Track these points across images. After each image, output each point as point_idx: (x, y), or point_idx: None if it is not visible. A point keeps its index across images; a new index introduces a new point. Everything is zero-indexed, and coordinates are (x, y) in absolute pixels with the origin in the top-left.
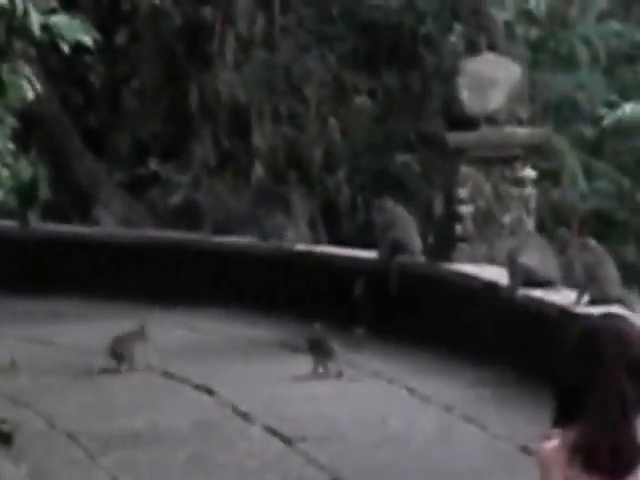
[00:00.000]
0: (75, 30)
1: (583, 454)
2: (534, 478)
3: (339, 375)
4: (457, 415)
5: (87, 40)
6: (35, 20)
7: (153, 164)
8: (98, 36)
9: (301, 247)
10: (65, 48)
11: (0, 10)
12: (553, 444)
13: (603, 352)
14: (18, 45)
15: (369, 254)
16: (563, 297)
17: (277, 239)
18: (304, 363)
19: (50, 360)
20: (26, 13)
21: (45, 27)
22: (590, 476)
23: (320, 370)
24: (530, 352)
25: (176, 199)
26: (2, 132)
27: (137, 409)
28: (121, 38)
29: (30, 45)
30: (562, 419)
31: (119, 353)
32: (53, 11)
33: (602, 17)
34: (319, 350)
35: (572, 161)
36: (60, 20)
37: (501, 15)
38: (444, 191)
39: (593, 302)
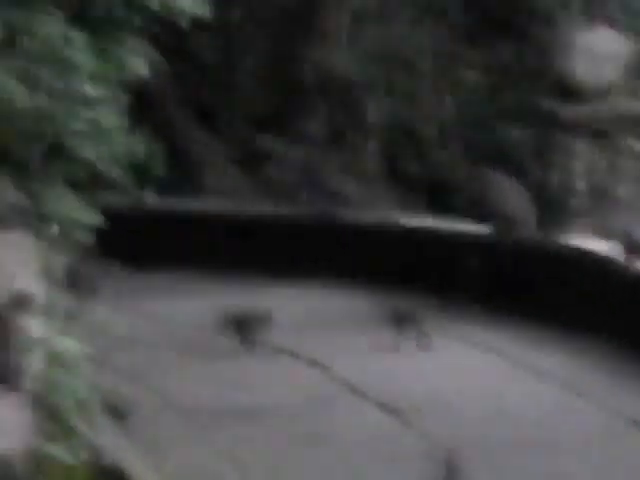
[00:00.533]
0: (192, 6)
1: None
2: None
3: (427, 347)
4: (572, 391)
5: (204, 13)
6: None
7: (266, 140)
8: (214, 12)
9: (414, 221)
10: (182, 23)
11: None
12: None
13: None
14: (136, 21)
15: (482, 228)
16: None
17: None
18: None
19: (167, 335)
20: None
21: (163, 3)
22: None
23: (403, 342)
24: None
25: (290, 175)
26: (117, 108)
27: (252, 385)
28: (236, 16)
29: (148, 21)
30: None
31: (243, 336)
32: None
33: None
34: (404, 323)
35: None
36: None
37: None
38: (558, 165)
39: None
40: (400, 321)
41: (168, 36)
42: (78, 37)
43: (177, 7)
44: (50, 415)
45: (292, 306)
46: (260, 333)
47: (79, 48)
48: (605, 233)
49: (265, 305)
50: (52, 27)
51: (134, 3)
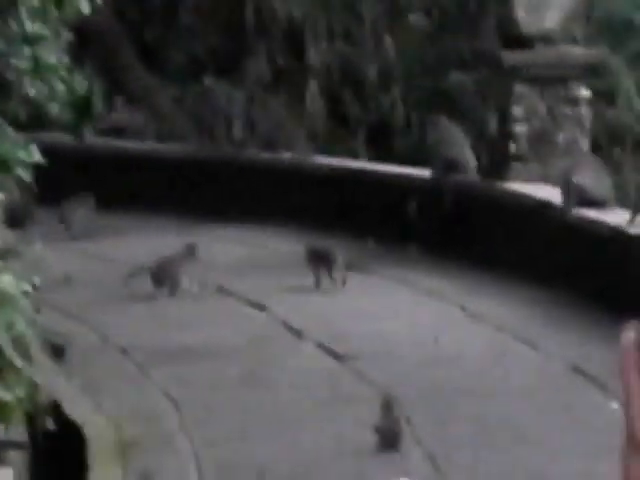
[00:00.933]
0: None
1: None
2: (584, 398)
3: (343, 284)
4: (509, 334)
5: None
6: None
7: (208, 80)
8: None
9: (354, 164)
10: None
11: None
12: (633, 334)
13: None
14: None
15: (423, 172)
16: (616, 216)
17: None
18: (358, 281)
19: (106, 275)
20: None
21: None
22: None
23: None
24: (583, 272)
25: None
26: (58, 46)
27: (190, 325)
28: None
29: None
30: None
31: (160, 278)
32: None
33: None
34: (322, 261)
35: (627, 81)
36: None
37: None
38: (498, 110)
39: None
40: (319, 261)
41: None
42: None
43: None
44: None
45: (233, 247)
46: (198, 276)
47: None
48: (544, 178)
49: (206, 246)
50: None
51: None
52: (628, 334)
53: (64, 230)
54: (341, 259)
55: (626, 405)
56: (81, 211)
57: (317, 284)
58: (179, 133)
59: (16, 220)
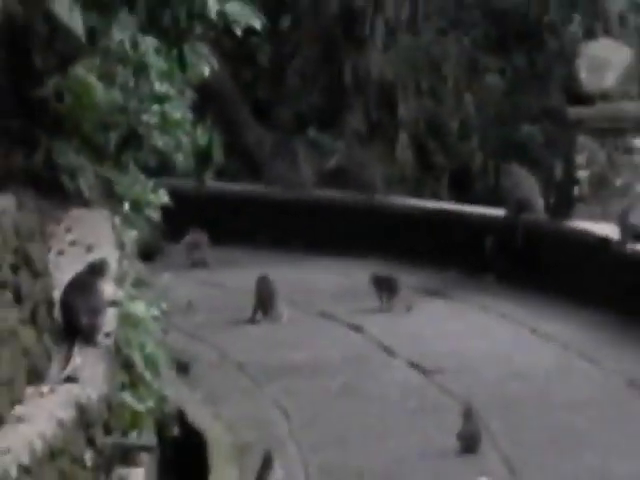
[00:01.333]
0: (246, 16)
1: None
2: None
3: (408, 310)
4: (574, 353)
5: (256, 24)
6: (212, 7)
7: (312, 132)
8: (265, 21)
9: (439, 205)
10: (237, 31)
11: None
12: None
13: None
14: (197, 29)
15: (498, 212)
16: None
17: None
18: (442, 306)
19: (222, 301)
20: (205, 1)
21: (221, 13)
22: None
23: (385, 305)
24: (637, 297)
25: (332, 163)
26: (182, 104)
27: (298, 344)
28: (285, 22)
29: (208, 29)
30: None
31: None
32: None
33: None
34: (385, 287)
35: None
36: (233, 7)
37: (615, 6)
38: (564, 158)
39: None
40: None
41: (228, 42)
42: (149, 41)
43: (232, 17)
44: (123, 367)
45: (335, 277)
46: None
47: (149, 51)
48: (604, 217)
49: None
50: (127, 32)
51: (194, 14)
52: None
53: (186, 261)
54: (403, 285)
55: None
56: (200, 245)
57: (381, 307)
58: (286, 178)
59: (147, 254)
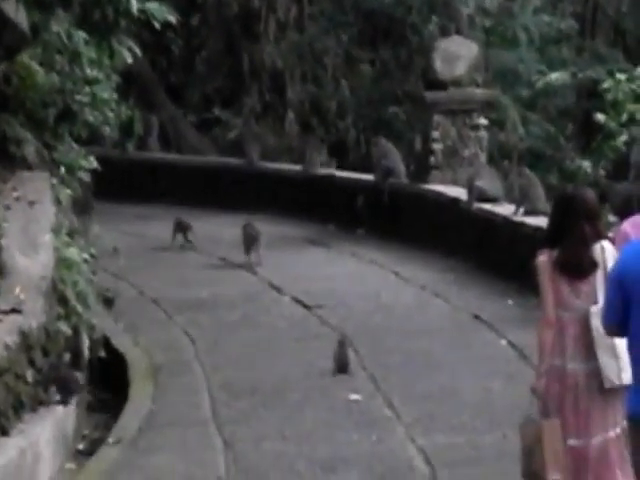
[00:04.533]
0: (163, 13)
1: (560, 264)
2: (481, 337)
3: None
4: (429, 292)
5: (172, 19)
6: (134, 5)
7: (216, 110)
8: (179, 18)
9: (320, 171)
10: (156, 25)
11: None
12: (544, 258)
13: (573, 207)
14: (122, 23)
15: (368, 177)
16: (505, 209)
17: (304, 166)
18: (322, 253)
19: (141, 247)
20: (129, 0)
21: (142, 10)
22: (563, 277)
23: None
24: (482, 248)
25: (232, 135)
26: (109, 86)
27: (202, 284)
28: (195, 20)
29: (131, 23)
30: (550, 245)
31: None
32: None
33: (537, 10)
34: (251, 241)
35: (513, 113)
36: (152, 5)
37: (465, 9)
38: (422, 133)
39: (527, 213)
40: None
41: (148, 35)
42: (81, 34)
43: (152, 14)
44: (58, 302)
45: (232, 230)
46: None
47: (81, 42)
48: (454, 182)
49: (214, 228)
50: (62, 26)
51: (120, 11)
52: (540, 258)
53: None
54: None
55: (542, 299)
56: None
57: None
58: (196, 148)
59: (79, 209)
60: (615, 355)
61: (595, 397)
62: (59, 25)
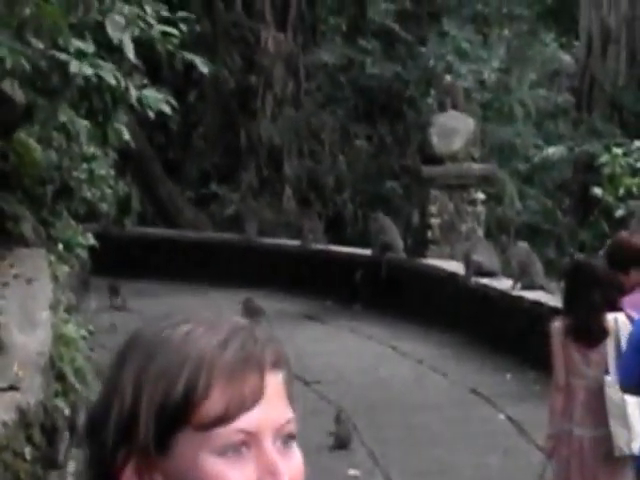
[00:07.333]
0: (159, 101)
1: (570, 331)
2: (479, 412)
3: None
4: (427, 366)
5: (166, 109)
6: (133, 94)
7: (214, 186)
8: (175, 103)
9: (318, 246)
10: (151, 114)
11: (109, 86)
12: (558, 324)
13: (581, 275)
14: (120, 108)
15: (366, 252)
16: (503, 284)
17: (302, 241)
18: (319, 329)
19: (138, 323)
20: (127, 89)
21: (139, 99)
22: (574, 344)
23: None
24: (479, 322)
25: (229, 211)
26: (106, 162)
27: None
28: (192, 97)
29: (128, 110)
30: (564, 311)
31: None
32: (144, 86)
33: (533, 85)
34: (254, 315)
35: (510, 187)
36: (149, 94)
37: (461, 83)
38: (419, 208)
39: (524, 288)
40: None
41: (145, 112)
42: (82, 122)
43: (147, 103)
44: (56, 378)
45: (231, 306)
46: None
47: (80, 124)
48: (452, 256)
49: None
50: (63, 113)
51: (117, 98)
52: (555, 323)
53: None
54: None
55: (554, 364)
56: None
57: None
58: (193, 223)
59: (77, 285)
60: (627, 425)
61: (601, 464)
62: (62, 112)
